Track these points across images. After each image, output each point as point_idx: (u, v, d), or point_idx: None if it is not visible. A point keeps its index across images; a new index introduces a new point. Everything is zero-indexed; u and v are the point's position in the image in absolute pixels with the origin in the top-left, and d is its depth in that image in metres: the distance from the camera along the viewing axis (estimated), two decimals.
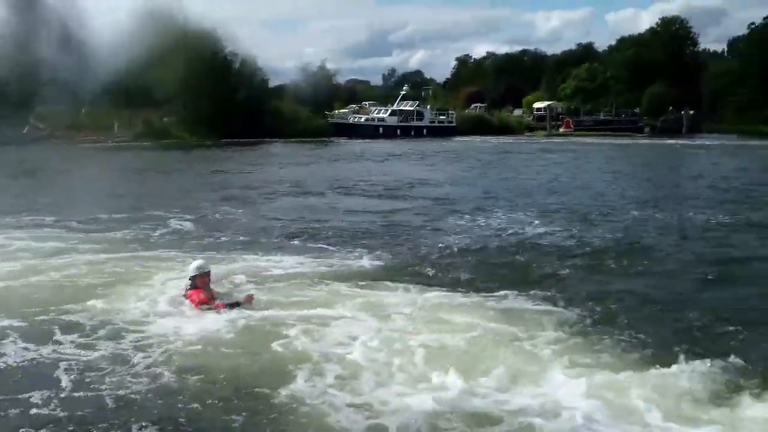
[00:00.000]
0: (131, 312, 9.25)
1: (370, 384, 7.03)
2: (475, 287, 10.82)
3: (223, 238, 15.20)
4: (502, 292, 10.40)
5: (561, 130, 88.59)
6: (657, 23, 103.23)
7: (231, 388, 7.00)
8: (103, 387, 6.93)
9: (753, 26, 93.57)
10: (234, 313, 9.06)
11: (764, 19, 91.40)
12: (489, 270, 12.15)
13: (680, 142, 66.83)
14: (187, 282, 9.75)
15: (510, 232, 16.04)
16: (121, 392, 6.83)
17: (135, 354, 7.78)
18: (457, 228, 16.62)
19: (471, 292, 10.51)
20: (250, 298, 9.54)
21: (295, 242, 14.89)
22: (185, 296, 9.60)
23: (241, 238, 15.32)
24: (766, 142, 59.14)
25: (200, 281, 9.63)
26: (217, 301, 9.47)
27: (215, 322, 8.80)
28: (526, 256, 13.19)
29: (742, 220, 17.45)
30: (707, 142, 64.27)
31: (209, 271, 9.83)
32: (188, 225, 16.90)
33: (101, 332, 8.44)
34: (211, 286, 9.89)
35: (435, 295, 10.28)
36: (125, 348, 7.99)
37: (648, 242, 14.66)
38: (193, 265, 9.82)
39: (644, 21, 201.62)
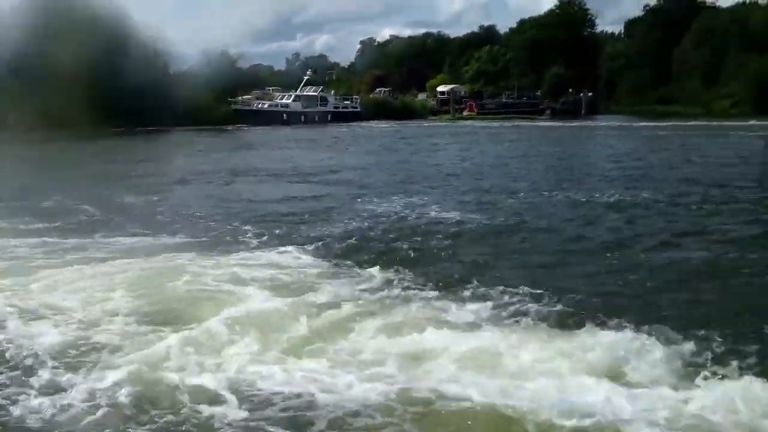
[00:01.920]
0: None
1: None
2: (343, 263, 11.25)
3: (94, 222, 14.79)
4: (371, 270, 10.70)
5: (465, 113, 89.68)
6: (555, 5, 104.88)
7: None
8: None
9: (648, 7, 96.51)
10: None
11: (658, 1, 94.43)
12: (369, 249, 12.35)
13: (578, 124, 68.80)
14: None
15: (404, 215, 16.07)
16: None
17: None
18: (351, 213, 16.52)
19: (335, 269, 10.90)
20: None
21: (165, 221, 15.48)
22: None
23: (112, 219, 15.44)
24: (658, 123, 61.48)
25: None
26: None
27: None
28: (414, 238, 13.27)
29: (623, 200, 17.79)
30: (603, 124, 66.43)
31: None
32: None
33: None
34: None
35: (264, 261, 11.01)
36: None
37: (533, 222, 14.97)
38: None
39: (545, 3, 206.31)
